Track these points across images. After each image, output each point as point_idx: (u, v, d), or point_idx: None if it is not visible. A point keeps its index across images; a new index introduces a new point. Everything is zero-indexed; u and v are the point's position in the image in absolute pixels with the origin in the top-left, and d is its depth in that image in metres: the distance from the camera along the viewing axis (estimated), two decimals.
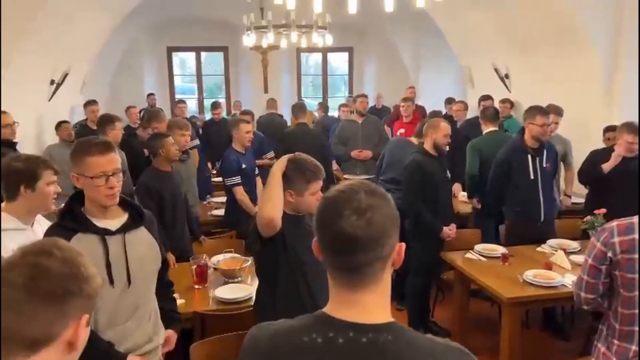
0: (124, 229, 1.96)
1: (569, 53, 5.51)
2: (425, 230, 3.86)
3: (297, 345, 1.00)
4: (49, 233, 1.91)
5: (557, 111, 4.61)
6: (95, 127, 5.18)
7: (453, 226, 3.92)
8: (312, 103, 11.15)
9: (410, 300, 4.07)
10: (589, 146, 4.43)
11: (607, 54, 5.21)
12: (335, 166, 6.82)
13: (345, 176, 5.93)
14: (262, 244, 2.16)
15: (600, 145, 4.37)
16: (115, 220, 1.97)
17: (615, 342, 1.89)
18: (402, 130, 6.08)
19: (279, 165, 2.17)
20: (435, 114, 6.41)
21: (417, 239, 3.94)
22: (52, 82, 6.04)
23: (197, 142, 5.54)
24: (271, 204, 2.09)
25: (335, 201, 1.02)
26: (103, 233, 1.91)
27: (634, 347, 1.83)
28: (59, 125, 5.18)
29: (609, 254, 1.84)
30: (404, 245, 1.05)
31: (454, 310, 3.79)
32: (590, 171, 4.11)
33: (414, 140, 4.52)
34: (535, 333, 4.09)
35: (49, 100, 6.09)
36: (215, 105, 7.58)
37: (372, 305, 1.02)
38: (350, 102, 8.83)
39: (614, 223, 1.89)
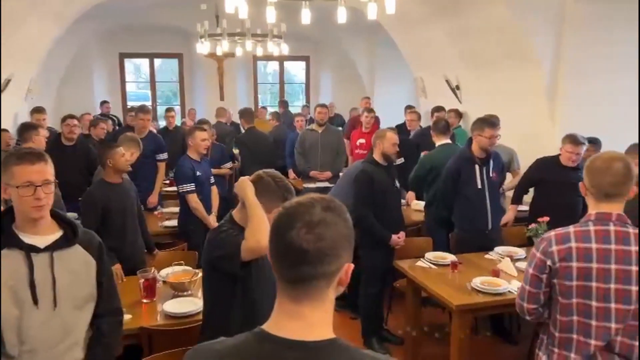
0: (54, 247, 1.85)
1: (515, 67, 5.73)
2: (375, 239, 3.90)
3: None
4: None
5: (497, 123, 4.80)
6: (68, 143, 5.04)
7: (402, 234, 3.97)
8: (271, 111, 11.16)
9: (363, 309, 4.09)
10: (534, 155, 4.61)
11: (551, 69, 5.45)
12: (292, 175, 6.84)
13: (304, 185, 5.94)
14: (241, 267, 2.09)
15: (546, 154, 4.55)
16: (48, 236, 1.86)
17: (555, 350, 1.94)
18: (362, 141, 6.18)
19: (249, 190, 2.11)
20: (439, 108, 6.53)
21: (368, 247, 3.98)
22: None
23: (164, 155, 5.43)
24: (266, 231, 2.05)
25: (289, 212, 1.02)
26: (28, 250, 1.80)
27: (573, 355, 1.89)
28: None
29: (548, 263, 1.89)
30: (352, 266, 1.05)
31: (406, 318, 3.83)
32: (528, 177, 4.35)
33: None
34: (485, 339, 4.19)
35: None
36: (168, 110, 7.46)
37: (313, 320, 1.01)
38: (306, 111, 8.89)
39: (552, 233, 1.95)
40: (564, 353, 1.91)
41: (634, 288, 1.80)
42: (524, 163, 4.63)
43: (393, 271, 3.95)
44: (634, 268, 1.80)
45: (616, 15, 5.20)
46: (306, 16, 3.91)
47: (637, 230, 1.85)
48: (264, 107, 10.34)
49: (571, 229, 1.91)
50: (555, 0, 5.22)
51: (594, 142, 4.61)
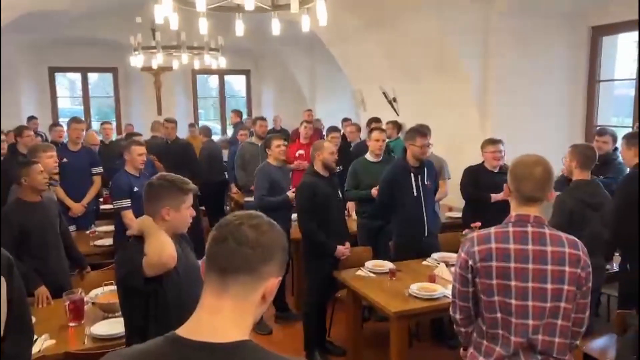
0: None
1: (446, 80, 5.95)
2: (320, 250, 3.90)
3: None
4: None
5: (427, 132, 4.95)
6: None
7: (348, 244, 4.00)
8: (215, 126, 11.02)
9: (306, 321, 4.06)
10: (465, 163, 4.78)
11: (478, 83, 5.70)
12: (234, 189, 6.75)
13: (245, 199, 5.85)
14: (146, 283, 2.06)
15: (475, 162, 4.73)
16: None
17: (484, 342, 2.01)
18: (302, 152, 6.18)
19: (139, 221, 2.18)
20: (375, 120, 6.63)
21: (312, 258, 3.98)
22: None
23: (100, 169, 5.24)
24: (169, 245, 2.07)
25: (239, 215, 1.09)
26: None
27: (498, 348, 1.95)
28: None
29: (470, 262, 1.95)
30: (278, 282, 1.09)
31: (348, 328, 3.83)
32: (475, 194, 4.44)
33: None
34: (426, 344, 4.26)
35: None
36: (104, 123, 7.22)
37: (230, 317, 1.02)
38: (249, 123, 8.81)
39: (475, 233, 2.03)
40: (491, 345, 1.97)
41: (549, 286, 1.88)
42: (460, 173, 4.77)
43: (335, 281, 3.94)
44: (549, 267, 1.89)
45: (540, 27, 5.52)
46: (240, 28, 3.88)
47: (552, 231, 1.94)
48: (192, 125, 9.92)
49: (492, 230, 1.98)
50: (481, 15, 5.47)
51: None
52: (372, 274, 3.66)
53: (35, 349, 2.51)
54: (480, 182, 4.42)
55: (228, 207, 7.67)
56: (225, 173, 7.39)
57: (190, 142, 6.96)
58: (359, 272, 3.71)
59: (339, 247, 3.90)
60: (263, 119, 6.77)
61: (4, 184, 4.12)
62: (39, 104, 9.89)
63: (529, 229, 1.92)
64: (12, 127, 6.51)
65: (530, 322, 1.89)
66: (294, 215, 5.24)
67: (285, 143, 4.93)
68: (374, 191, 4.38)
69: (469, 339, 2.11)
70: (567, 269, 1.88)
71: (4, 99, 9.05)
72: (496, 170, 4.42)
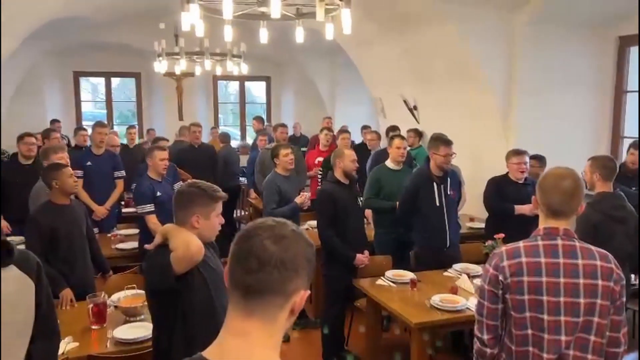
0: None
1: (468, 87, 5.89)
2: (338, 258, 3.88)
3: None
4: None
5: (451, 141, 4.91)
6: (26, 162, 4.90)
7: (366, 253, 3.97)
8: (234, 132, 11.08)
9: (324, 329, 4.03)
10: (489, 173, 4.72)
11: (502, 92, 5.62)
12: (253, 195, 6.78)
13: None
14: (177, 280, 2.07)
15: (498, 172, 4.66)
16: None
17: None
18: (321, 159, 6.18)
19: (162, 228, 2.22)
20: (394, 128, 6.61)
21: (331, 267, 3.96)
22: None
23: (122, 172, 5.30)
24: (194, 238, 2.09)
25: (256, 224, 1.03)
26: None
27: None
28: None
29: (500, 277, 1.91)
30: (308, 293, 1.04)
31: (366, 337, 3.80)
32: (499, 205, 4.38)
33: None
34: (446, 356, 4.20)
35: None
36: (130, 127, 7.34)
37: (257, 338, 0.97)
38: (269, 130, 8.85)
39: (503, 248, 1.98)
40: None
41: (582, 300, 1.84)
42: (482, 182, 4.71)
43: (354, 290, 3.92)
44: (581, 281, 1.84)
45: (564, 36, 5.45)
46: (264, 36, 3.91)
47: (582, 244, 1.90)
48: (215, 128, 10.09)
49: (520, 244, 1.94)
50: (504, 23, 5.42)
51: (539, 159, 4.78)
52: (392, 284, 3.63)
53: (59, 351, 2.54)
54: (504, 194, 4.35)
55: (245, 212, 7.72)
56: (240, 179, 7.52)
57: (215, 146, 7.11)
58: (379, 282, 3.68)
59: (358, 256, 3.88)
60: (284, 125, 6.80)
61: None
62: (64, 107, 10.06)
63: (559, 242, 1.89)
64: (37, 129, 6.65)
65: (563, 337, 1.84)
66: (313, 222, 5.26)
67: (300, 149, 4.94)
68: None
69: None
70: (600, 282, 1.84)
71: (30, 102, 9.25)
72: (521, 182, 4.35)
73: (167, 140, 6.46)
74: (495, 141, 5.72)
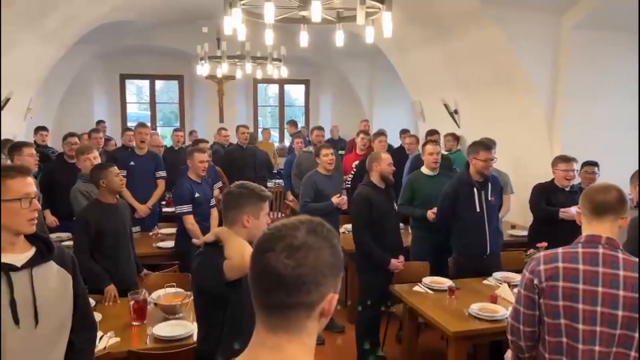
0: (31, 264, 1.82)
1: (512, 92, 5.75)
2: (373, 263, 3.85)
3: None
4: None
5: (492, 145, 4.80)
6: (71, 160, 5.08)
7: (402, 258, 3.93)
8: (273, 134, 11.21)
9: (359, 334, 4.01)
10: (530, 180, 4.59)
11: (547, 95, 5.46)
12: (290, 197, 6.82)
13: None
14: (227, 285, 2.10)
15: (542, 179, 4.53)
16: (22, 254, 1.82)
17: None
18: (357, 163, 6.16)
19: (220, 229, 2.23)
20: (432, 132, 6.55)
21: (366, 271, 3.93)
22: None
23: (163, 172, 5.44)
24: (249, 247, 2.09)
25: (272, 233, 0.96)
26: (7, 269, 1.76)
27: None
28: None
29: (535, 282, 1.88)
30: (336, 296, 0.99)
31: (403, 344, 3.75)
32: (545, 210, 4.26)
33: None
34: None
35: None
36: (176, 130, 7.59)
37: (290, 354, 0.94)
38: (305, 133, 8.92)
39: (541, 253, 1.96)
40: None
41: (620, 313, 1.77)
42: (525, 188, 4.58)
43: (390, 295, 3.88)
44: (621, 293, 1.77)
45: (612, 41, 5.24)
46: (304, 39, 3.92)
47: (626, 256, 1.83)
48: (267, 129, 10.41)
49: (560, 249, 1.91)
50: (551, 27, 5.27)
51: (594, 165, 4.61)
52: (430, 291, 3.57)
53: (101, 345, 2.63)
54: (549, 200, 4.22)
55: (282, 215, 7.78)
56: (267, 180, 7.65)
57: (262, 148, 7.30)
58: (417, 288, 3.63)
59: (393, 261, 3.84)
60: (320, 128, 6.82)
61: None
62: (110, 108, 10.41)
63: (600, 250, 1.83)
64: (85, 129, 6.92)
65: (597, 348, 1.79)
66: (349, 226, 5.24)
67: (337, 152, 4.96)
68: (430, 213, 4.25)
69: None
70: None
71: (79, 103, 9.63)
72: (568, 189, 4.22)
73: (207, 142, 6.59)
74: (540, 147, 5.55)
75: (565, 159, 4.24)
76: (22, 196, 1.78)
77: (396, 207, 4.12)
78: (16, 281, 1.77)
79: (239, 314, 2.11)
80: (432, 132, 6.49)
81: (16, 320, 1.75)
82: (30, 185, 1.83)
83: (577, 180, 4.40)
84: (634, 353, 1.78)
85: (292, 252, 0.93)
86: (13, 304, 1.75)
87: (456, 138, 6.67)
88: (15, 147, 4.38)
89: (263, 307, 0.96)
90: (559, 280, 1.83)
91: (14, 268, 1.77)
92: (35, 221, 1.83)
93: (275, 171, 8.37)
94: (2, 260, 1.76)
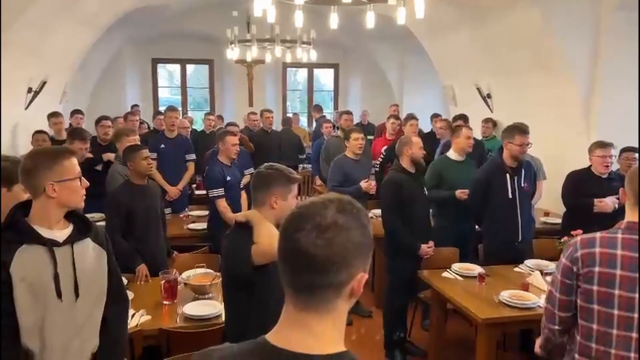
0: (72, 240, 1.89)
1: (549, 76, 5.57)
2: (403, 248, 3.82)
3: None
4: None
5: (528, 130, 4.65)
6: (104, 143, 5.25)
7: (431, 243, 3.88)
8: (302, 119, 11.21)
9: (387, 320, 4.00)
10: (568, 167, 4.45)
11: (585, 80, 5.27)
12: (318, 182, 6.82)
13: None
14: (254, 270, 2.10)
15: (577, 166, 4.39)
16: (62, 231, 1.90)
17: (576, 356, 1.88)
18: (386, 147, 6.09)
19: (251, 212, 2.23)
20: (461, 117, 6.41)
21: (395, 257, 3.90)
22: (30, 90, 5.94)
23: (193, 156, 5.51)
24: (277, 234, 2.10)
25: (301, 212, 0.95)
26: (50, 244, 1.83)
27: None
28: (34, 135, 5.08)
29: (574, 269, 1.84)
30: (366, 276, 0.97)
31: (430, 330, 3.72)
32: (579, 202, 4.14)
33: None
34: (512, 355, 4.04)
35: (26, 108, 5.98)
36: (208, 114, 7.67)
37: (319, 331, 0.94)
38: (335, 117, 8.88)
39: (578, 238, 1.90)
40: (583, 359, 1.83)
41: None
42: (558, 176, 4.45)
43: (418, 281, 3.85)
44: None
45: None
46: (334, 21, 3.88)
47: None
48: (295, 114, 10.42)
49: (598, 234, 1.86)
50: (591, 9, 5.06)
51: (634, 150, 4.45)
52: (459, 277, 3.53)
53: (133, 322, 2.69)
54: (585, 188, 4.08)
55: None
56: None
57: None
58: (445, 274, 3.58)
59: (423, 247, 3.79)
60: (348, 112, 6.77)
61: None
62: (142, 92, 10.57)
63: None
64: (118, 113, 7.06)
65: (634, 334, 1.75)
66: (377, 211, 5.21)
67: (366, 137, 4.92)
68: (459, 193, 4.17)
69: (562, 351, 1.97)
70: None
71: (112, 87, 9.81)
72: (605, 176, 4.07)
73: (237, 126, 6.63)
74: (576, 133, 5.38)
75: (602, 145, 4.09)
76: (78, 174, 1.91)
77: (426, 192, 4.06)
78: (59, 256, 1.84)
79: (265, 297, 2.12)
80: (461, 117, 6.34)
81: (59, 294, 1.82)
82: (77, 164, 1.95)
83: (615, 167, 4.24)
84: None
85: (321, 232, 0.91)
86: (57, 278, 1.82)
87: (495, 125, 6.52)
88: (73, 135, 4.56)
89: (292, 287, 0.95)
90: (595, 266, 1.79)
91: (56, 243, 1.84)
92: (84, 196, 1.95)
93: (304, 155, 8.36)
94: (45, 236, 1.83)
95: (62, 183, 1.85)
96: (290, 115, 9.99)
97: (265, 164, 2.28)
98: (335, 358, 0.92)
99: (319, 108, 9.83)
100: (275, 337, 0.95)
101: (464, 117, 6.35)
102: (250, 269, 2.08)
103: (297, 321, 0.95)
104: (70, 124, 6.58)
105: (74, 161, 1.93)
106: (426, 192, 4.05)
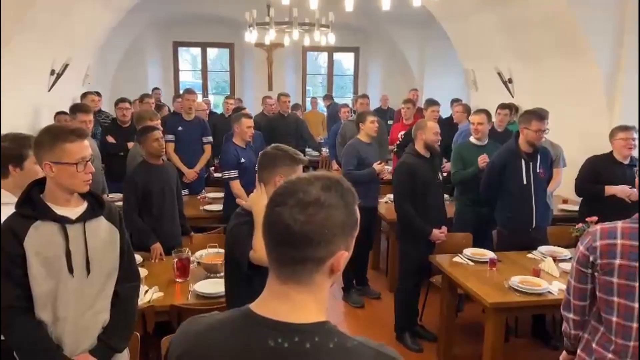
0: (84, 218, 1.94)
1: (571, 61, 5.43)
2: (415, 233, 3.81)
3: (217, 345, 0.97)
4: (7, 222, 1.87)
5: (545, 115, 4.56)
6: (124, 125, 5.36)
7: (444, 228, 3.86)
8: (321, 103, 11.18)
9: (398, 303, 4.02)
10: (587, 153, 4.37)
11: (609, 64, 5.13)
12: (335, 166, 6.82)
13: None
14: (250, 267, 2.13)
15: (600, 152, 4.30)
16: (76, 208, 1.94)
17: (595, 346, 1.86)
18: (403, 132, 6.05)
19: (255, 205, 2.18)
20: (432, 102, 6.34)
21: (407, 241, 3.91)
22: (52, 72, 6.05)
23: (210, 138, 5.57)
24: None
25: (286, 187, 0.97)
26: (63, 221, 1.88)
27: (610, 356, 1.79)
28: (56, 116, 5.20)
29: (591, 258, 1.81)
30: (346, 254, 0.98)
31: (441, 314, 3.73)
32: (589, 189, 4.13)
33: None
34: (524, 341, 4.03)
35: (49, 90, 6.10)
36: (228, 97, 7.71)
37: (299, 302, 0.96)
38: (353, 101, 8.82)
39: (598, 226, 1.85)
40: (602, 351, 1.80)
41: None
42: (579, 163, 4.38)
43: (430, 266, 3.85)
44: None
45: None
46: (349, 3, 3.85)
47: None
48: (314, 98, 10.40)
49: (619, 224, 1.80)
50: None
51: None
52: (470, 262, 3.51)
53: (146, 298, 2.78)
54: (605, 174, 4.02)
55: None
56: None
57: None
58: (457, 259, 3.58)
59: (435, 231, 3.79)
60: (364, 96, 6.72)
61: None
62: (164, 76, 10.66)
63: None
64: (135, 96, 7.15)
65: None
66: (391, 196, 5.20)
67: (386, 122, 4.88)
68: (481, 160, 4.18)
69: (577, 343, 1.95)
70: None
71: (134, 69, 9.91)
72: (626, 162, 4.00)
73: (245, 109, 6.65)
74: (598, 120, 5.25)
75: (624, 128, 4.03)
76: (79, 160, 1.86)
77: (441, 177, 4.04)
78: (71, 233, 1.89)
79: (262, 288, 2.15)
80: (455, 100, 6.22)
81: (70, 270, 1.88)
82: (86, 148, 1.90)
83: (635, 153, 4.14)
84: None
85: (303, 207, 0.92)
86: (68, 254, 1.88)
87: (515, 110, 6.37)
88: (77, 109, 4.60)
89: (275, 260, 0.98)
90: (615, 258, 1.75)
91: (68, 221, 1.89)
92: (90, 182, 1.93)
93: (322, 140, 8.34)
94: (59, 214, 1.88)
95: (59, 165, 1.85)
96: (306, 99, 9.99)
97: (273, 144, 2.31)
98: (314, 326, 0.95)
99: (329, 97, 9.85)
100: (258, 306, 0.99)
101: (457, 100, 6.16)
102: (245, 268, 2.13)
103: (279, 292, 0.97)
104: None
105: (80, 145, 1.87)
106: (440, 177, 4.03)
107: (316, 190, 0.94)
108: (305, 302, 0.97)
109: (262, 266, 2.09)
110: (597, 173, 4.10)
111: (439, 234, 3.81)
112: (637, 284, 1.72)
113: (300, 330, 0.93)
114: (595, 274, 1.81)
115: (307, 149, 7.76)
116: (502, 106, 5.58)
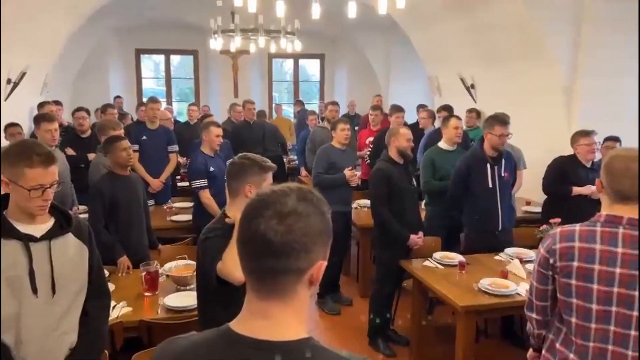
0: (50, 235, 1.86)
1: (532, 65, 5.61)
2: (392, 238, 3.83)
3: None
4: None
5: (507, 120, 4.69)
6: (82, 135, 5.24)
7: (421, 234, 3.90)
8: (288, 109, 11.19)
9: (373, 309, 4.02)
10: (548, 153, 4.51)
11: (568, 68, 5.32)
12: (304, 173, 6.82)
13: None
14: (219, 282, 2.09)
15: (562, 154, 4.44)
16: (42, 225, 1.87)
17: (558, 346, 1.89)
18: (372, 139, 6.10)
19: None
20: (445, 107, 6.41)
21: (384, 247, 3.92)
22: (9, 81, 5.84)
23: (176, 147, 5.47)
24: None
25: (261, 199, 0.95)
26: (26, 239, 1.80)
27: (572, 356, 1.84)
28: (8, 128, 4.99)
29: (551, 260, 1.84)
30: (324, 263, 0.98)
31: (412, 318, 3.76)
32: (557, 188, 4.24)
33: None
34: (494, 342, 4.11)
35: (5, 100, 5.88)
36: (192, 104, 7.62)
37: (282, 319, 0.95)
38: (321, 108, 8.87)
39: (558, 229, 1.89)
40: (565, 351, 1.85)
41: (638, 294, 1.72)
42: (540, 164, 4.51)
43: (403, 271, 3.88)
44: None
45: (634, 13, 5.05)
46: (316, 11, 3.87)
47: None
48: (279, 105, 10.39)
49: (577, 227, 1.83)
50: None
51: (616, 140, 4.52)
52: (440, 266, 3.56)
53: (114, 314, 2.69)
54: (569, 176, 4.16)
55: None
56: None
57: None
58: (427, 263, 3.62)
59: (412, 237, 3.82)
60: (334, 103, 6.76)
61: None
62: (126, 84, 10.45)
63: (620, 230, 1.75)
64: (101, 105, 6.97)
65: (612, 328, 1.75)
66: (362, 202, 5.23)
67: (353, 128, 4.93)
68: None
69: (542, 342, 2.00)
70: None
71: (95, 78, 9.67)
72: (589, 166, 4.15)
73: (212, 116, 6.60)
74: (557, 123, 5.44)
75: (585, 133, 4.17)
76: (34, 186, 1.76)
77: (415, 183, 4.08)
78: (35, 252, 1.81)
79: (234, 293, 2.11)
80: (446, 108, 6.34)
81: (34, 290, 1.80)
82: (48, 175, 1.80)
83: (598, 156, 4.30)
84: None
85: (281, 218, 0.92)
86: (32, 274, 1.79)
87: (478, 115, 6.55)
88: (41, 119, 4.40)
89: (253, 273, 0.96)
90: (574, 260, 1.78)
91: (33, 239, 1.81)
92: (46, 208, 1.84)
93: (290, 147, 8.33)
94: (23, 231, 1.80)
95: (14, 185, 1.77)
96: (272, 106, 9.99)
97: (240, 154, 2.29)
98: (297, 344, 0.93)
99: (300, 102, 9.90)
100: (238, 325, 0.96)
101: (447, 108, 6.36)
102: (214, 280, 2.08)
103: (259, 309, 0.96)
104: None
105: (40, 172, 1.76)
106: (414, 183, 4.07)
107: (292, 201, 0.94)
108: (286, 318, 0.95)
109: (229, 284, 2.07)
110: (563, 174, 4.23)
111: (416, 239, 3.84)
112: (593, 286, 1.75)
113: (283, 348, 0.92)
114: (555, 276, 1.84)
115: (285, 157, 7.73)
116: (470, 110, 6.14)
